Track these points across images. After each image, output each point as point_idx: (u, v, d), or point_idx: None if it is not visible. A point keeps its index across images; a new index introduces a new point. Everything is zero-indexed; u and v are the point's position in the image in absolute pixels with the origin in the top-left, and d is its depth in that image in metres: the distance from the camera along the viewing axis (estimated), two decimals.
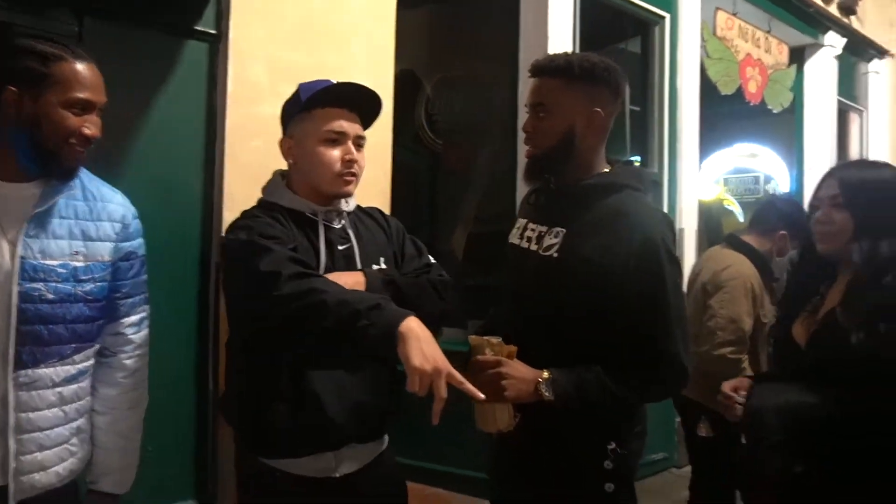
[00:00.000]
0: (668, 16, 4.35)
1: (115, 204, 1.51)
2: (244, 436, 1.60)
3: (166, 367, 2.37)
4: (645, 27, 4.39)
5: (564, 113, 1.51)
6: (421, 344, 1.27)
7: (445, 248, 4.39)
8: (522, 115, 3.60)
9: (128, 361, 1.55)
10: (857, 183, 1.64)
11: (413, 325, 1.30)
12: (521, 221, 1.65)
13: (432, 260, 1.73)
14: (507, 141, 3.80)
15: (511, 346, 1.43)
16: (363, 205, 1.74)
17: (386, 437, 1.68)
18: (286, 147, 1.62)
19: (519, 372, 1.41)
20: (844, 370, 1.53)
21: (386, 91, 2.83)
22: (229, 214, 2.37)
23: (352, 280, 1.49)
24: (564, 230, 1.50)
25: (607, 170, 1.58)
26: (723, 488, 2.65)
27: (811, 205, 1.73)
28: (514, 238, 1.65)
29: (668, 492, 3.43)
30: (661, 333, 1.44)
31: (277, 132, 2.41)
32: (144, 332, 1.59)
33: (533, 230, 1.58)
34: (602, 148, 1.59)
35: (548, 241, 1.52)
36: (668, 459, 4.08)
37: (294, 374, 1.48)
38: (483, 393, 1.37)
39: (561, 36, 3.64)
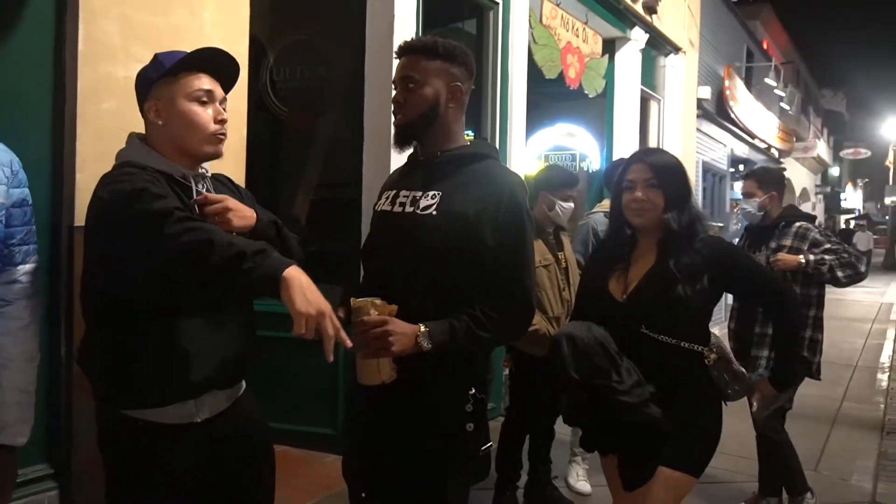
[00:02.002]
0: (500, 1, 4.68)
1: (1, 150, 1.51)
2: (105, 388, 1.61)
3: None
4: (480, 11, 4.68)
5: (431, 84, 1.74)
6: (304, 289, 1.35)
7: (289, 214, 4.44)
8: (371, 85, 3.77)
9: (25, 311, 1.55)
10: (664, 167, 2.05)
11: (295, 273, 1.37)
12: (390, 192, 1.83)
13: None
14: (353, 110, 3.93)
15: (392, 306, 1.60)
16: (217, 171, 1.79)
17: (243, 382, 1.78)
18: (154, 109, 1.63)
19: (401, 328, 1.57)
20: (662, 316, 1.98)
21: (240, 58, 2.87)
22: (82, 177, 2.33)
23: (248, 212, 1.63)
24: (440, 192, 1.72)
25: (468, 142, 1.82)
26: (523, 412, 3.25)
27: (623, 186, 2.09)
28: (383, 206, 1.82)
29: (494, 437, 3.82)
30: (518, 277, 1.71)
31: (131, 94, 2.39)
32: (38, 282, 1.59)
33: (406, 196, 1.77)
34: (462, 120, 1.82)
35: (424, 202, 1.72)
36: (495, 409, 4.52)
37: (157, 326, 1.52)
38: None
39: (405, 10, 3.81)
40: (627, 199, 2.07)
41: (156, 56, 1.66)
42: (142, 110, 1.67)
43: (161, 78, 1.61)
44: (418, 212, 1.72)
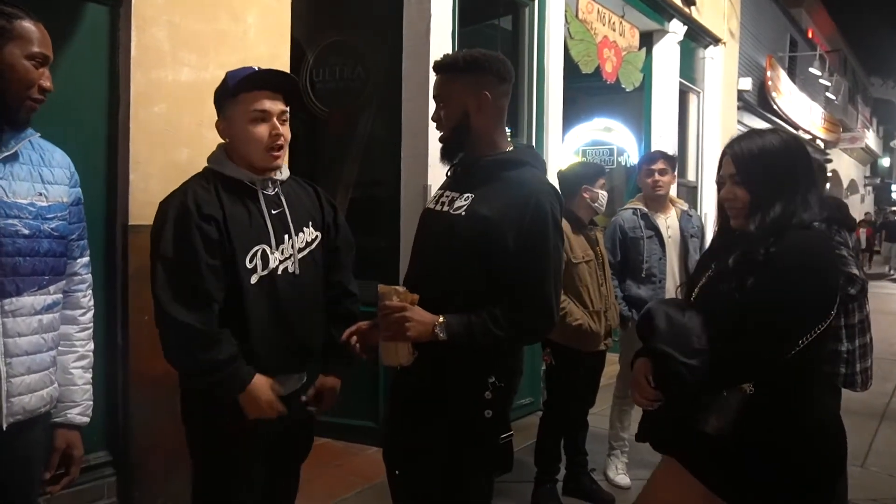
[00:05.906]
0: None
1: (59, 154, 1.65)
2: None
3: None
4: (515, 7, 4.71)
5: (457, 100, 1.81)
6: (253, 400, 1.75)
7: None
8: (409, 84, 3.83)
9: (84, 299, 1.69)
10: (748, 157, 1.71)
11: (251, 389, 1.74)
12: (439, 192, 1.92)
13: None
14: (391, 109, 4.00)
15: (414, 295, 1.69)
16: None
17: (305, 374, 1.98)
18: (221, 127, 1.86)
19: (420, 316, 1.67)
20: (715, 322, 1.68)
21: (282, 60, 2.96)
22: (134, 177, 2.44)
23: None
24: (472, 195, 1.78)
25: (510, 148, 1.86)
26: (562, 406, 3.29)
27: (717, 182, 1.81)
28: (430, 205, 1.91)
29: (533, 430, 3.86)
30: (537, 282, 1.72)
31: (179, 97, 2.52)
32: (90, 274, 1.73)
33: (448, 197, 1.85)
34: (500, 126, 1.86)
35: (458, 203, 1.80)
36: (533, 403, 4.55)
37: (225, 320, 1.76)
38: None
39: (442, 9, 3.86)
40: (720, 199, 1.80)
41: (226, 75, 1.84)
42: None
43: (228, 98, 1.81)
44: (451, 211, 1.80)
